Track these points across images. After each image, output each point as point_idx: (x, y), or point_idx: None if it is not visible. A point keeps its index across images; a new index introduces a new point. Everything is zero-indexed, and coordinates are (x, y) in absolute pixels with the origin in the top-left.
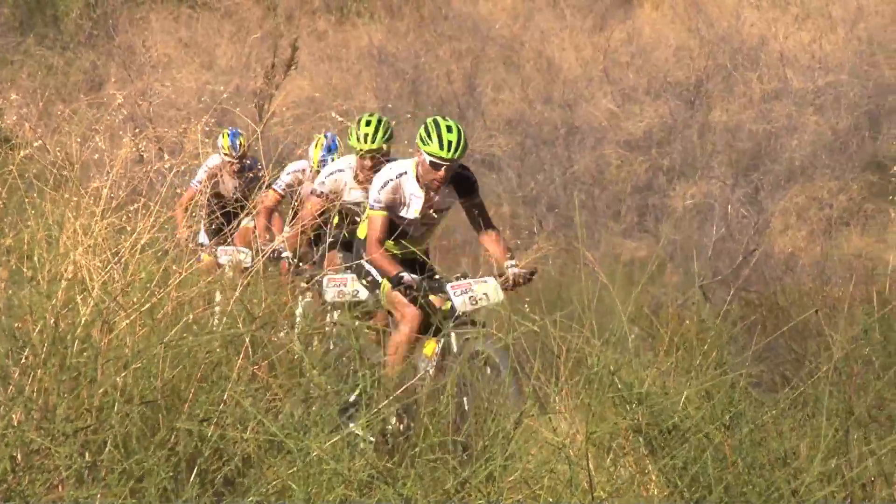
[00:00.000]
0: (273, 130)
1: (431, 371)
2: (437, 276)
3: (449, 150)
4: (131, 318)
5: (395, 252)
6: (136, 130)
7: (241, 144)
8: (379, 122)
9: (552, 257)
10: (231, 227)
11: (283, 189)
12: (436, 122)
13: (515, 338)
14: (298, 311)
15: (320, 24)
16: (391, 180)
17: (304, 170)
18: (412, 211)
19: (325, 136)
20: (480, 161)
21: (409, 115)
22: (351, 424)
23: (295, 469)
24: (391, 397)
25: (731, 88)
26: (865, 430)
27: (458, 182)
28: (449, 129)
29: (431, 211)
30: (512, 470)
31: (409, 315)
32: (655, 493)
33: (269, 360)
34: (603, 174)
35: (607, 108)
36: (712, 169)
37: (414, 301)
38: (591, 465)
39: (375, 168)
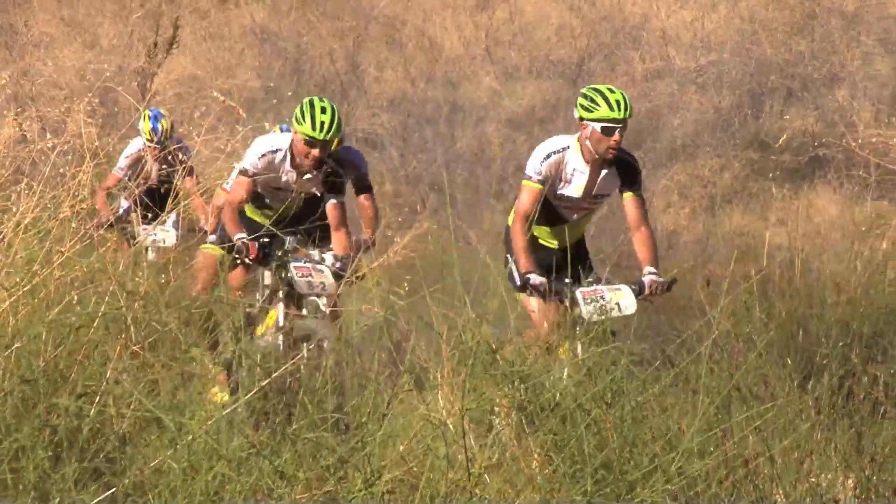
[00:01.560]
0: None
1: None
2: (566, 280)
3: (619, 110)
4: (13, 298)
5: (550, 243)
6: (19, 110)
7: (163, 128)
8: (333, 110)
9: (434, 235)
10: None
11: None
12: (595, 89)
13: (392, 315)
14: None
15: (202, 2)
16: (554, 153)
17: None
18: (574, 189)
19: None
20: (364, 140)
21: (290, 94)
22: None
23: (173, 447)
24: (272, 376)
25: (613, 67)
26: (747, 407)
27: (623, 168)
28: (611, 91)
29: (592, 194)
30: (390, 447)
31: (536, 321)
32: (535, 469)
33: (150, 339)
34: (485, 152)
35: (490, 86)
36: None
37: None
38: (470, 442)
39: (322, 161)
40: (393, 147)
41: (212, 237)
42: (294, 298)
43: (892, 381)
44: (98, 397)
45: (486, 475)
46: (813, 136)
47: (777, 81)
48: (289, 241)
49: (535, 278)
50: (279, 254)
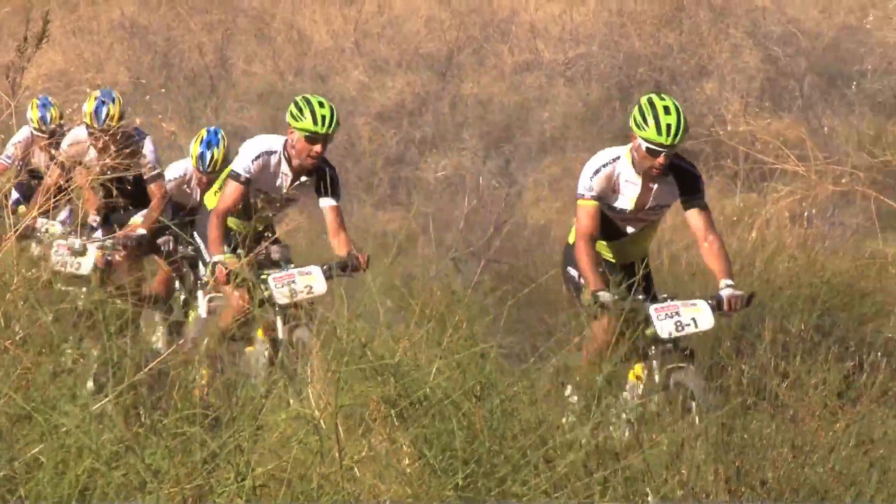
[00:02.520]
0: (27, 104)
1: (636, 396)
2: (640, 297)
3: (668, 135)
4: None
5: (610, 257)
6: None
7: (52, 117)
8: (330, 104)
9: (304, 230)
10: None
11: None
12: (651, 103)
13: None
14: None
15: None
16: (604, 166)
17: (184, 174)
18: (625, 200)
19: (207, 131)
20: (233, 134)
21: (162, 91)
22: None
23: (44, 442)
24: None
25: (482, 60)
26: (616, 400)
27: (681, 176)
28: (667, 111)
29: (646, 206)
30: (261, 441)
31: (598, 335)
32: (406, 463)
33: (22, 335)
34: (355, 146)
35: (359, 79)
36: (464, 141)
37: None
38: (341, 436)
39: (318, 158)
40: None
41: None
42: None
43: (759, 374)
44: None
45: (356, 469)
46: None
47: (645, 74)
48: (274, 251)
49: (605, 295)
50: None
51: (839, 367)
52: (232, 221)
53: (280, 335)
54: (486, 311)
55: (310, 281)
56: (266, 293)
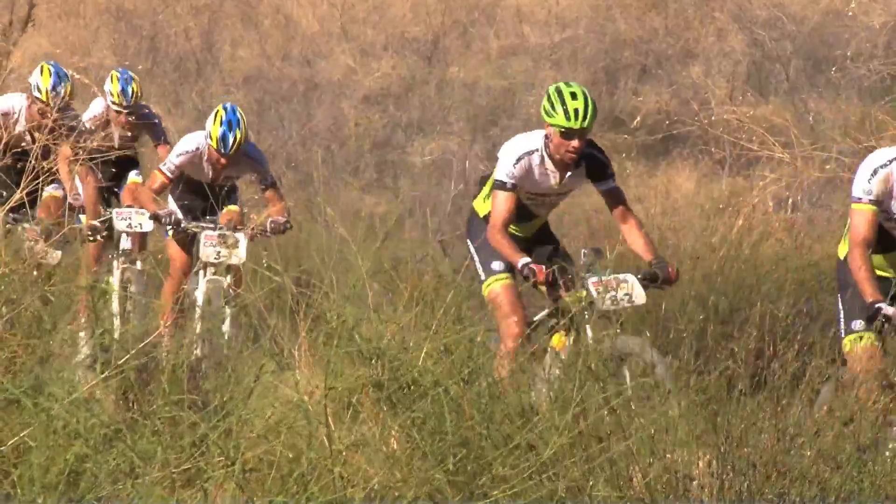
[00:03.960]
0: (12, 88)
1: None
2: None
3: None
4: None
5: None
6: None
7: (133, 91)
8: (584, 93)
9: (291, 213)
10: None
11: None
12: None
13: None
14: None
15: None
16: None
17: (196, 149)
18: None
19: (224, 109)
20: None
21: (149, 75)
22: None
23: (33, 426)
24: (130, 353)
25: (468, 44)
26: (602, 384)
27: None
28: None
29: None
30: (251, 425)
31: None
32: (395, 447)
33: (8, 318)
34: (342, 130)
35: (346, 64)
36: (450, 125)
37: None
38: (330, 421)
39: (578, 155)
40: (249, 125)
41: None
42: None
43: (746, 357)
44: None
45: (345, 454)
46: (668, 113)
47: (631, 58)
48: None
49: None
50: None
51: (826, 351)
52: (511, 227)
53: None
54: (474, 295)
55: (628, 290)
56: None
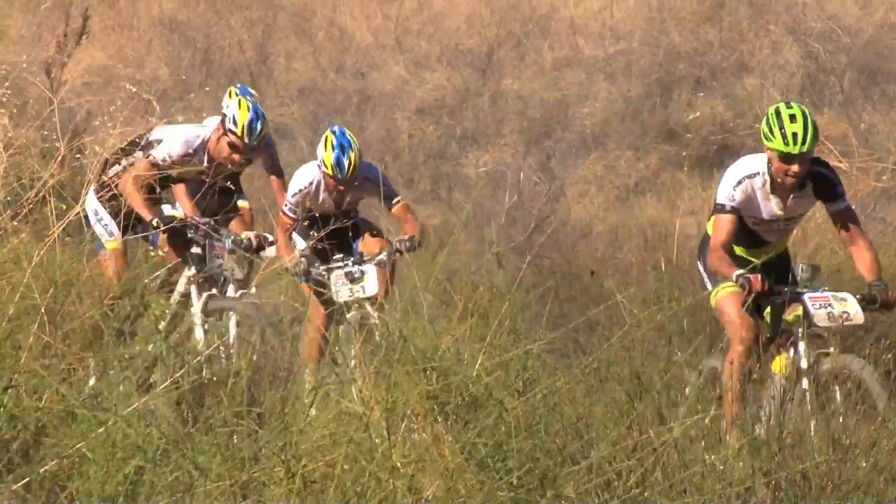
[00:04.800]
0: (69, 100)
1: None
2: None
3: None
4: None
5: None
6: None
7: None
8: (804, 114)
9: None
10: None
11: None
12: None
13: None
14: None
15: None
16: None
17: (310, 183)
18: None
19: (333, 133)
20: (274, 130)
21: (205, 89)
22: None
23: (90, 439)
24: (186, 366)
25: (522, 57)
26: (656, 396)
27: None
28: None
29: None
30: (309, 437)
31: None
32: (450, 459)
33: (65, 330)
34: (395, 142)
35: (399, 75)
36: (504, 137)
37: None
38: (390, 434)
39: (800, 179)
40: (302, 137)
41: None
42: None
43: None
44: (11, 387)
45: (403, 468)
46: (722, 125)
47: (686, 70)
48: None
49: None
50: None
51: (882, 362)
52: (740, 250)
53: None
54: (529, 307)
55: (845, 307)
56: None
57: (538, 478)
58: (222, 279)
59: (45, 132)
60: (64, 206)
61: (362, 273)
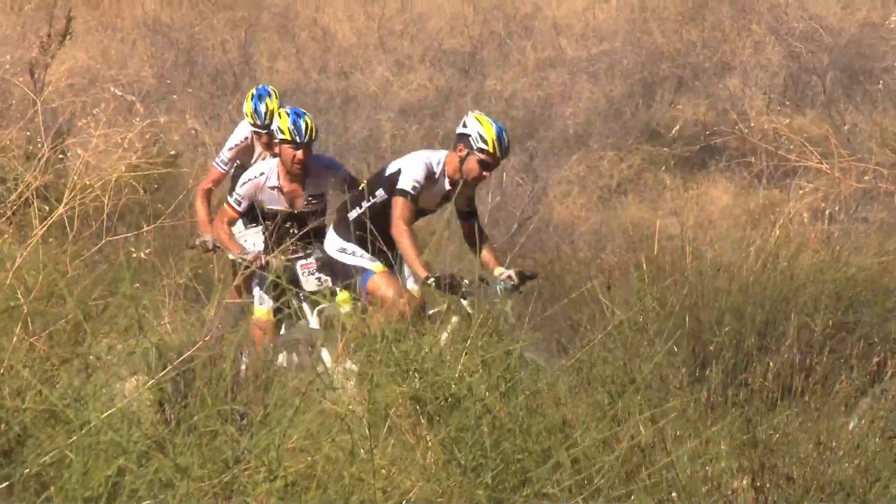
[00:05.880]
0: (52, 101)
1: None
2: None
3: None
4: None
5: None
6: None
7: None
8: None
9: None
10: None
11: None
12: None
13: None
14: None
15: None
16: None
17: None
18: None
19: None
20: None
21: (187, 89)
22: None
23: (73, 439)
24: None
25: (505, 57)
26: (641, 396)
27: None
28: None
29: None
30: (291, 438)
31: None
32: (432, 461)
33: (48, 331)
34: (378, 142)
35: (382, 76)
36: None
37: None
38: (372, 435)
39: None
40: None
41: None
42: None
43: (784, 369)
44: None
45: (384, 469)
46: (704, 125)
47: (668, 70)
48: None
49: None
50: None
51: (864, 363)
52: None
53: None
54: (512, 308)
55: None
56: None
57: (518, 477)
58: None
59: (29, 133)
60: (47, 208)
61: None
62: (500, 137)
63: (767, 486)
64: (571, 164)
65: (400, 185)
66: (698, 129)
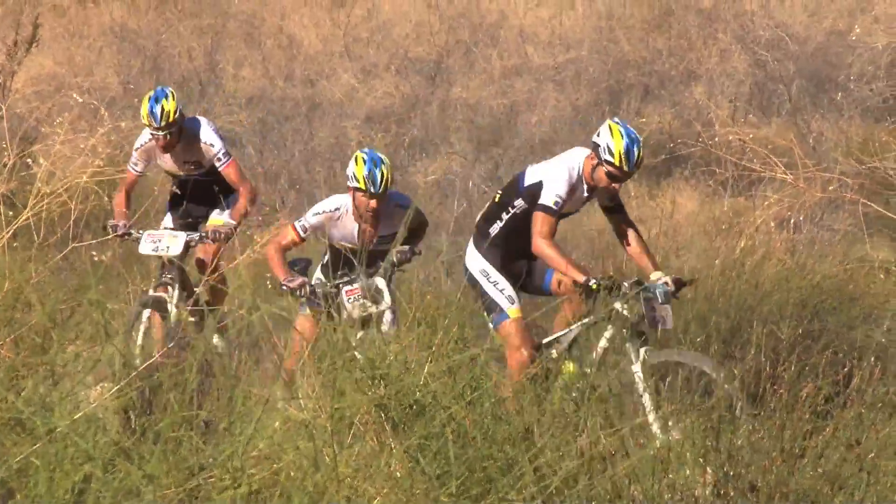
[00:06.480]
0: (18, 108)
1: None
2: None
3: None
4: None
5: None
6: None
7: (163, 110)
8: None
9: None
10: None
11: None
12: None
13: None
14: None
15: (62, 0)
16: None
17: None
18: None
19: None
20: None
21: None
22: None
23: (38, 446)
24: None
25: (471, 65)
26: (605, 405)
27: None
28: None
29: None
30: (254, 446)
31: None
32: (397, 468)
33: (13, 337)
34: (344, 150)
35: (348, 83)
36: (453, 145)
37: None
38: (336, 443)
39: None
40: (251, 145)
41: None
42: None
43: (747, 376)
44: None
45: (349, 477)
46: (670, 133)
47: (634, 78)
48: None
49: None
50: None
51: (829, 371)
52: None
53: None
54: (477, 315)
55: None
56: None
57: (483, 485)
58: None
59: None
60: (11, 213)
61: (377, 287)
62: (628, 151)
63: (731, 493)
64: None
65: (543, 201)
66: (664, 137)
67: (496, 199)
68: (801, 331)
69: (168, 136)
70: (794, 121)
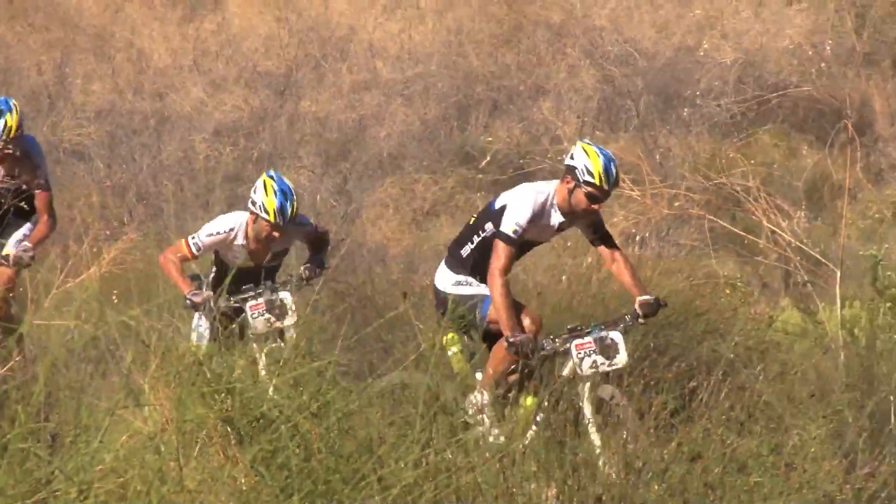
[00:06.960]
0: None
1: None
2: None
3: None
4: None
5: None
6: None
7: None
8: None
9: (142, 247)
10: None
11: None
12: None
13: (106, 329)
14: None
15: None
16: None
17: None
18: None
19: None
20: (70, 151)
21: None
22: None
23: None
24: None
25: (321, 79)
26: (452, 417)
27: None
28: None
29: None
30: (101, 460)
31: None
32: (243, 481)
33: None
34: (192, 164)
35: (197, 97)
36: (301, 159)
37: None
38: (181, 456)
39: None
40: (99, 158)
41: None
42: None
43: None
44: None
45: (193, 490)
46: (518, 148)
47: (483, 93)
48: None
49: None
50: None
51: (675, 386)
52: None
53: None
54: (324, 329)
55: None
56: None
57: (328, 497)
58: None
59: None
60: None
61: (282, 302)
62: (607, 170)
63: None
64: (385, 187)
65: (502, 228)
66: (512, 153)
67: (470, 222)
68: (647, 345)
69: (7, 150)
70: (641, 136)
